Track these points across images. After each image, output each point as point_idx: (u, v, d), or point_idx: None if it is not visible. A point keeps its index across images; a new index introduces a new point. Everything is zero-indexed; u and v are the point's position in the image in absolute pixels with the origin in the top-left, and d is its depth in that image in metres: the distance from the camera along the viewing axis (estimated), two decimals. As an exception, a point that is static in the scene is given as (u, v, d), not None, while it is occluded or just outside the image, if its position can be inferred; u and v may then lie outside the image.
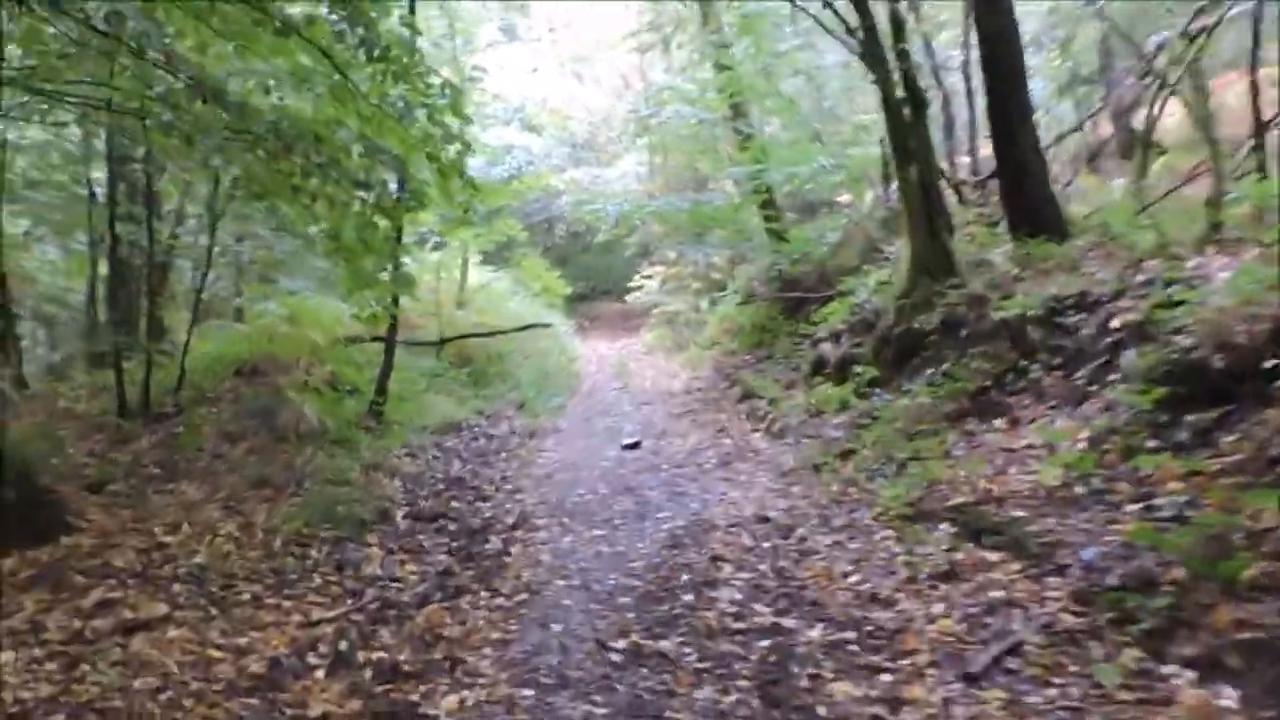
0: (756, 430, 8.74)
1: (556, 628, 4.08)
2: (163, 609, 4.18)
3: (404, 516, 6.61)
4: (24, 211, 10.36)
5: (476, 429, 10.30)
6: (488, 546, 5.73)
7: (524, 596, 4.62)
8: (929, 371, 7.16)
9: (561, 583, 4.82)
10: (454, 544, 5.90)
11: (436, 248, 14.85)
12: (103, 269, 10.62)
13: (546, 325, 15.44)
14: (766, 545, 5.23)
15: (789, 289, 12.38)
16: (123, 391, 9.12)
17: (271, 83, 7.27)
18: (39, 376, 11.27)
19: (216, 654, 3.72)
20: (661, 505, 6.48)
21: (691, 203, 13.34)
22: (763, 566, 4.82)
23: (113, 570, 4.64)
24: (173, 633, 3.91)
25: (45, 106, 7.49)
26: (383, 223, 7.75)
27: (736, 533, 5.54)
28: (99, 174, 9.98)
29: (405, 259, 9.45)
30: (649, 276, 19.69)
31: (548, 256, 22.37)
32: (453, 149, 7.30)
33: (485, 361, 13.30)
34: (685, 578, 4.73)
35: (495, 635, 4.02)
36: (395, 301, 10.00)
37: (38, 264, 11.60)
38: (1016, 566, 4.23)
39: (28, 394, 10.34)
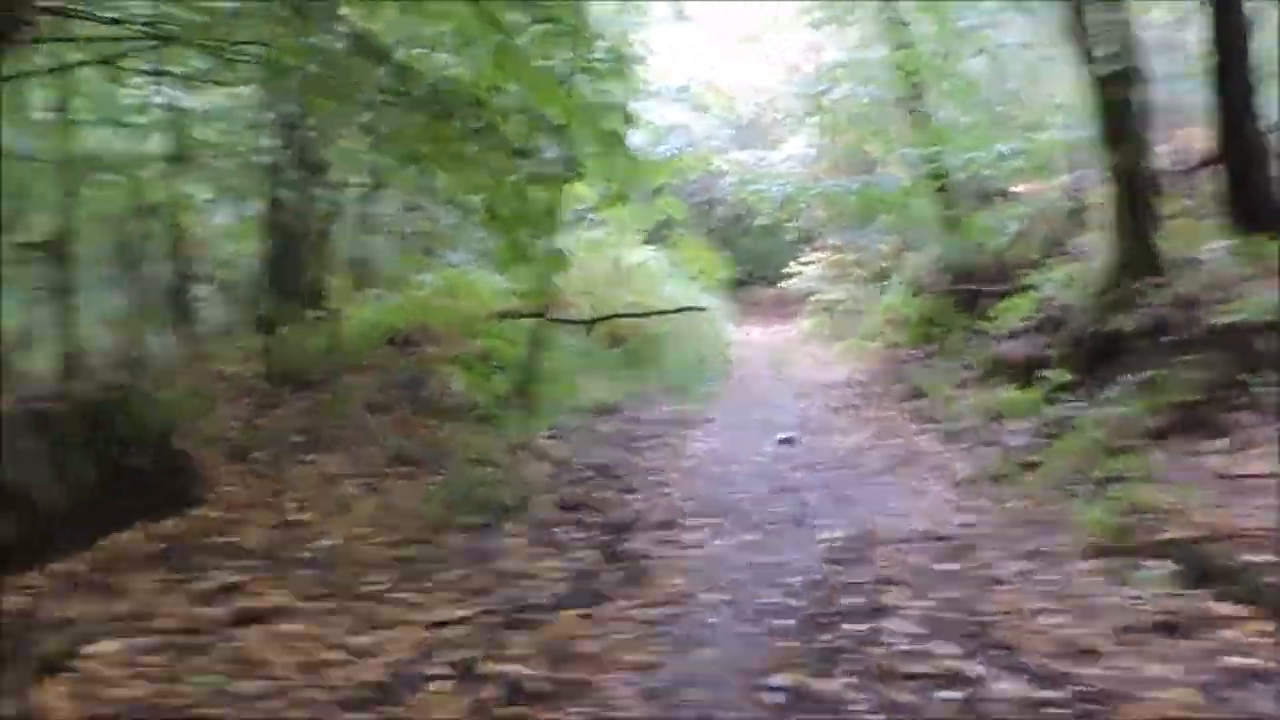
0: (925, 432, 8.05)
1: (705, 653, 3.60)
2: (283, 598, 3.91)
3: (546, 504, 6.27)
4: (203, 177, 10.51)
5: (626, 413, 9.95)
6: (632, 545, 5.31)
7: (669, 609, 4.16)
8: (1128, 379, 6.33)
9: (711, 595, 4.33)
10: (597, 539, 5.49)
11: (593, 224, 14.58)
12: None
13: (702, 309, 14.96)
14: (942, 568, 4.61)
15: (962, 281, 11.53)
16: (272, 357, 9.14)
17: (432, 48, 7.05)
18: (209, 339, 11.50)
19: (332, 655, 3.40)
20: (821, 510, 5.93)
21: (861, 185, 12.57)
22: (939, 594, 4.22)
23: (238, 550, 4.43)
24: (290, 627, 3.62)
25: (215, 68, 7.46)
26: (540, 194, 7.45)
27: (907, 550, 4.94)
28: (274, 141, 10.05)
29: (561, 234, 9.16)
30: (809, 262, 18.96)
31: (706, 239, 21.88)
32: (615, 118, 6.91)
33: (638, 343, 12.93)
34: (850, 601, 4.17)
35: (636, 656, 3.57)
36: (550, 277, 9.74)
37: (213, 229, 11.84)
38: (1257, 625, 3.52)
39: (191, 356, 10.55)
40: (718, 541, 5.28)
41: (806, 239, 19.88)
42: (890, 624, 3.85)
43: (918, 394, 9.32)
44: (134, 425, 4.92)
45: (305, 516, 5.22)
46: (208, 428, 7.46)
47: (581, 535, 5.60)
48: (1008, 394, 7.52)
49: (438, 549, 5.04)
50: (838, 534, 5.32)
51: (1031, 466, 5.87)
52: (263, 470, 6.51)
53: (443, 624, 3.91)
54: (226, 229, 11.92)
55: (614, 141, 6.82)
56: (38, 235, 9.62)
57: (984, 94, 12.20)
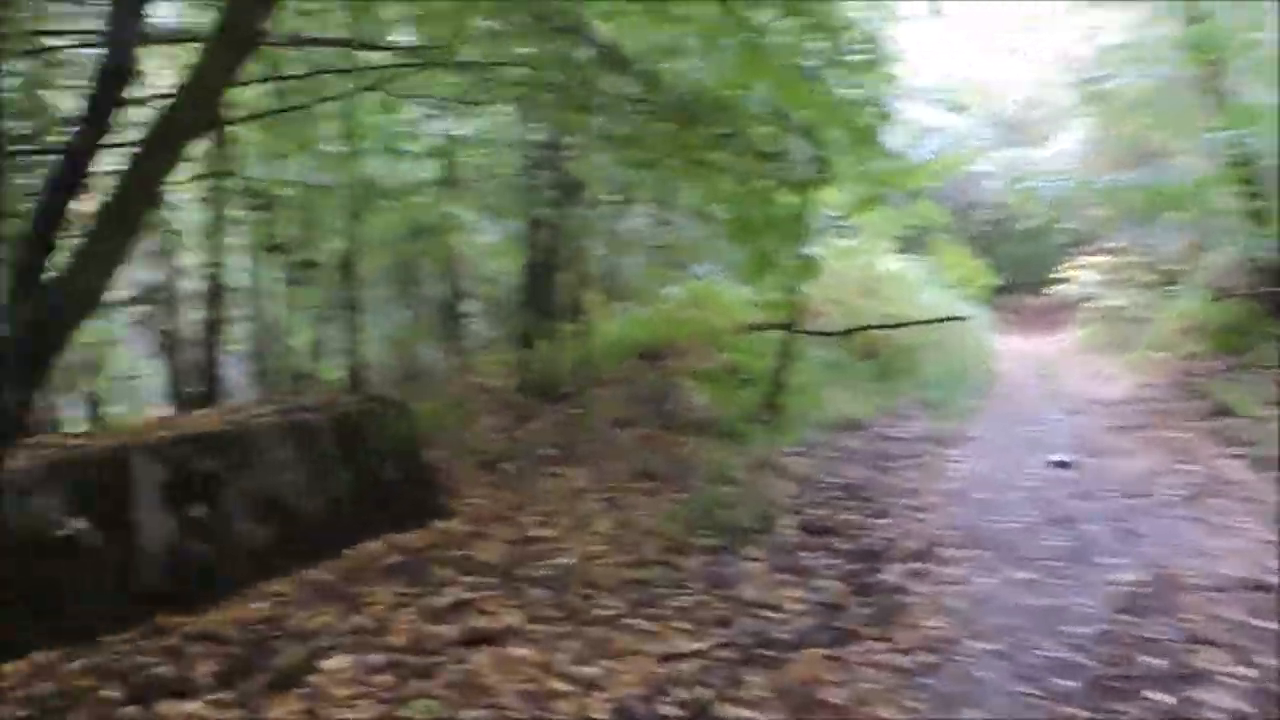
0: (1230, 456, 7.01)
1: (973, 717, 3.12)
2: (514, 619, 3.76)
3: (790, 526, 5.88)
4: (469, 199, 10.88)
5: (878, 429, 9.37)
6: (884, 577, 4.83)
7: (927, 656, 3.68)
8: None
9: (977, 644, 3.81)
10: (844, 568, 5.05)
11: (845, 232, 14.02)
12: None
13: (961, 318, 14.06)
14: (1270, 627, 3.85)
15: (1274, 282, 10.14)
16: (527, 371, 9.31)
17: (676, 53, 6.84)
18: (473, 353, 11.89)
19: (559, 685, 3.19)
20: (1105, 546, 5.19)
21: (1152, 178, 11.28)
22: (1267, 660, 3.50)
23: (475, 565, 4.35)
24: (519, 651, 3.45)
25: (474, 88, 7.60)
26: (788, 199, 7.09)
27: (1221, 601, 4.18)
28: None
29: (810, 242, 8.75)
30: (1082, 266, 17.48)
31: (966, 245, 20.67)
32: (868, 114, 6.44)
33: (892, 355, 12.27)
34: (1150, 661, 3.53)
35: (889, 712, 3.14)
36: (799, 287, 9.35)
37: (479, 249, 12.26)
38: None
39: (457, 369, 10.95)
40: (982, 578, 4.70)
41: (1078, 241, 18.36)
42: (1204, 695, 3.20)
43: (1220, 412, 8.20)
44: (387, 438, 4.98)
45: (545, 532, 5.10)
46: (468, 439, 7.64)
47: (827, 562, 5.17)
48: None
49: (675, 571, 4.77)
50: (1128, 576, 4.61)
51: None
52: (511, 482, 6.52)
53: (676, 657, 3.63)
54: (491, 248, 12.35)
55: (867, 139, 6.35)
56: (324, 257, 10.44)
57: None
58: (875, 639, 3.94)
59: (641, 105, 6.34)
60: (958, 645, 3.79)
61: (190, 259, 9.32)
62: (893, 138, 10.90)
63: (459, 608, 3.80)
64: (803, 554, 5.31)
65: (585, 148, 9.18)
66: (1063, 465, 7.39)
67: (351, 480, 4.56)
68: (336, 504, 4.41)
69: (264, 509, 4.05)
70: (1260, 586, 4.30)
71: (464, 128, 10.07)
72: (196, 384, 8.64)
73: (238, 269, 9.42)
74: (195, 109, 2.97)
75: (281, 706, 3.05)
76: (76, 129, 2.99)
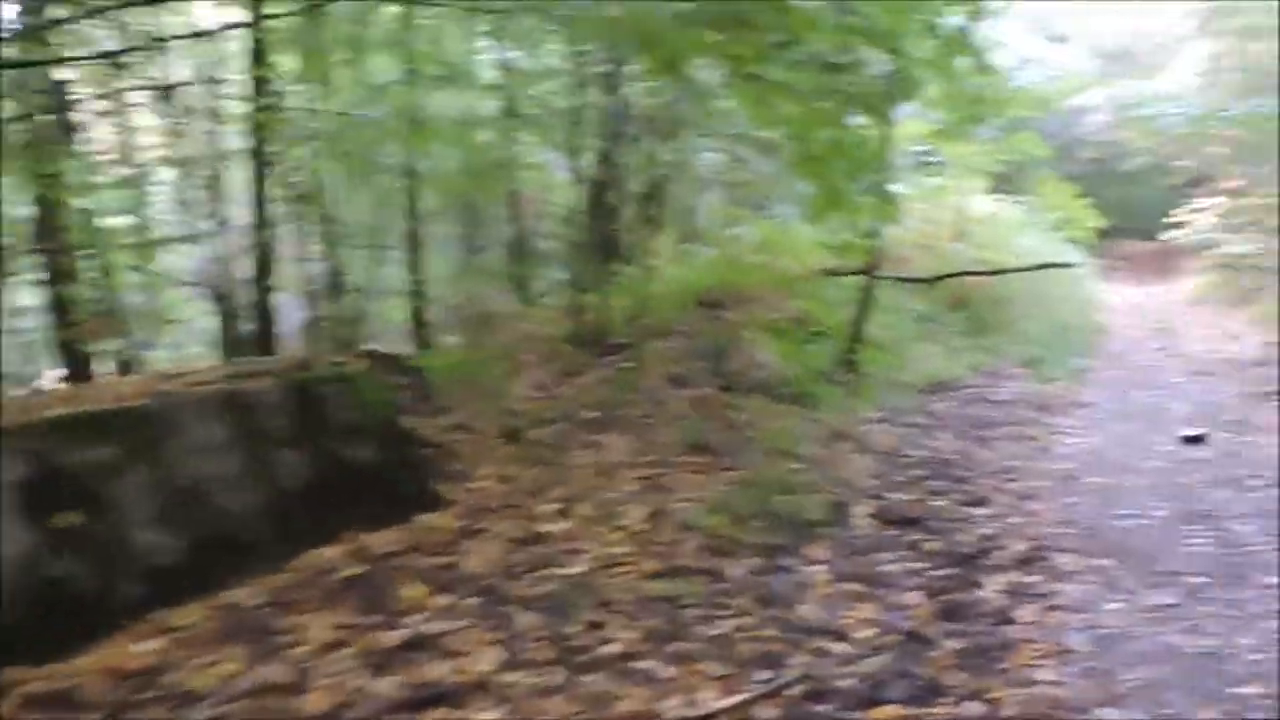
0: (1404, 437, 5.80)
1: None
2: (488, 662, 2.85)
3: (866, 517, 4.88)
4: (537, 135, 10.06)
5: (972, 391, 8.27)
6: (982, 594, 3.83)
7: (1044, 731, 2.70)
8: None
9: (1112, 713, 2.81)
10: (931, 577, 4.06)
11: (932, 168, 12.73)
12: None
13: (1066, 265, 12.69)
14: None
15: None
16: (580, 319, 8.44)
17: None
18: (531, 299, 11.11)
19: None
20: (1265, 557, 4.10)
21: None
22: None
23: (457, 578, 3.44)
24: (485, 716, 2.55)
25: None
26: (862, 125, 5.98)
27: None
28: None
29: (891, 176, 7.61)
30: (1201, 209, 15.83)
31: (1069, 185, 19.06)
32: (957, 15, 5.31)
33: (987, 306, 11.02)
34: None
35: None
36: (878, 228, 8.25)
37: (545, 185, 11.46)
38: None
39: (509, 315, 10.16)
40: (1111, 604, 3.66)
41: (1196, 182, 16.67)
42: None
43: (1381, 377, 6.93)
44: (360, 410, 4.09)
45: (560, 526, 4.19)
46: (500, 399, 6.80)
47: (910, 567, 4.19)
48: None
49: (716, 582, 3.82)
50: (1304, 603, 3.54)
51: None
52: (536, 455, 5.62)
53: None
54: (557, 185, 11.53)
55: (956, 49, 5.20)
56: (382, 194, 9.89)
57: None
58: (968, 695, 2.96)
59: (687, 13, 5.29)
60: (1083, 714, 2.79)
61: (239, 196, 8.75)
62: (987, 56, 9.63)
63: (415, 647, 2.91)
64: (880, 556, 4.33)
65: (638, 73, 8.21)
66: (1196, 441, 6.25)
67: (306, 466, 3.67)
68: (282, 498, 3.52)
69: (174, 511, 3.14)
70: None
71: (527, 59, 9.37)
72: (249, 328, 8.10)
73: (286, 208, 8.80)
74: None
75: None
76: None
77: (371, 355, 6.49)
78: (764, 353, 7.92)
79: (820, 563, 4.19)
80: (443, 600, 3.26)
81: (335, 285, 9.59)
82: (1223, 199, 15.27)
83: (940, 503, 5.20)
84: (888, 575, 4.08)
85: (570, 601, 3.38)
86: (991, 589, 3.89)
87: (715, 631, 3.36)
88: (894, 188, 9.38)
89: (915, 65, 5.44)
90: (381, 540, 3.65)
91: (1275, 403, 7.27)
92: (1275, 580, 3.79)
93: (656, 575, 3.77)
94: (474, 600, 3.30)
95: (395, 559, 3.55)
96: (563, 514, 4.41)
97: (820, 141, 5.80)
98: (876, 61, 5.59)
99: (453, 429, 5.62)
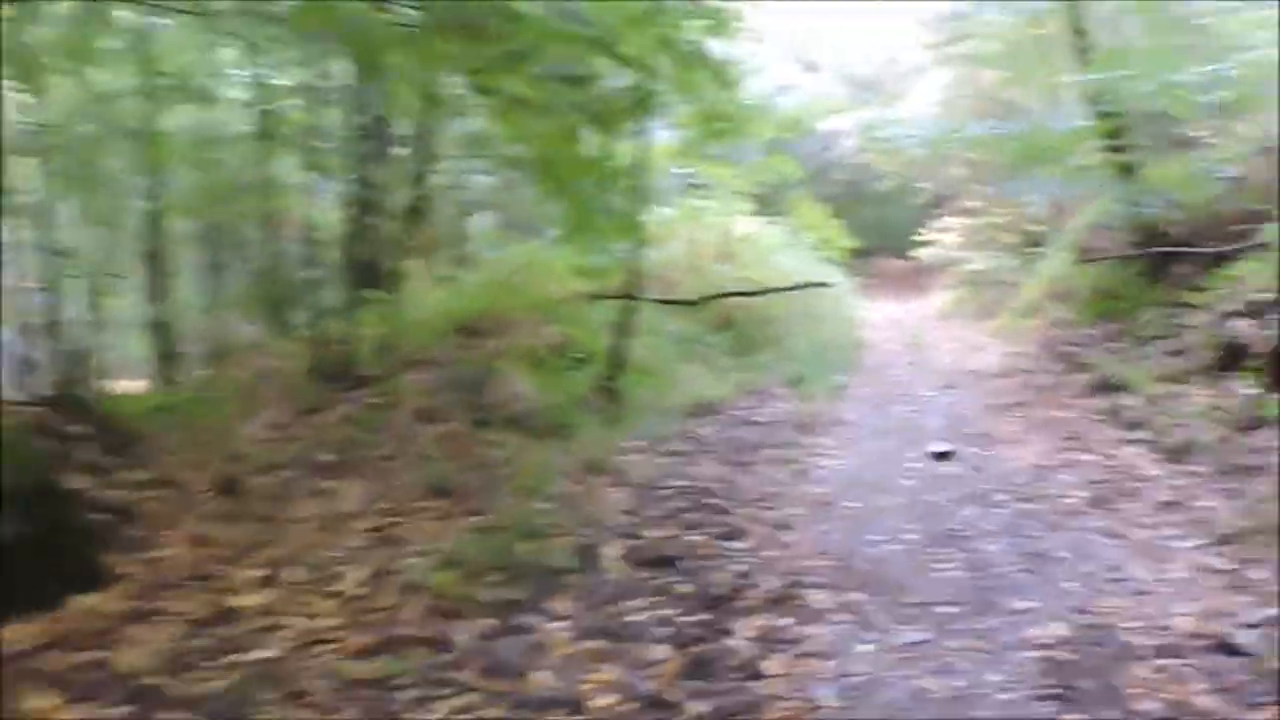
0: (1132, 443, 6.02)
1: None
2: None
3: (617, 559, 4.54)
4: (293, 156, 9.27)
5: (736, 413, 8.15)
6: (731, 643, 3.53)
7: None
8: None
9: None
10: (682, 623, 3.75)
11: (696, 191, 12.78)
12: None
13: (824, 284, 13.02)
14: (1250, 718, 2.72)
15: (1150, 243, 9.33)
16: (323, 351, 7.79)
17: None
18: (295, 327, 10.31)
19: None
20: (1014, 581, 4.03)
21: (1023, 127, 10.31)
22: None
23: (100, 683, 2.83)
24: None
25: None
26: (608, 140, 5.71)
27: (1176, 672, 3.04)
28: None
29: (646, 197, 7.40)
30: (945, 229, 16.74)
31: (824, 207, 19.77)
32: (695, 29, 5.12)
33: (751, 326, 11.07)
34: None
35: None
36: (636, 249, 8.05)
37: (304, 208, 10.68)
38: None
39: (249, 348, 9.36)
40: (861, 645, 3.44)
41: (940, 202, 17.65)
42: None
43: (1107, 387, 7.26)
44: (11, 473, 3.37)
45: (257, 598, 3.61)
46: (229, 441, 6.10)
47: (660, 615, 3.86)
48: (1255, 393, 5.47)
49: (437, 654, 3.35)
50: (1052, 629, 3.44)
51: (1347, 516, 3.86)
52: (253, 508, 4.98)
53: None
54: (317, 208, 10.77)
55: (695, 63, 5.01)
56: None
57: (1168, 9, 9.80)
58: (712, 773, 2.63)
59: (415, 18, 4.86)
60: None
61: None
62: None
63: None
64: (629, 604, 3.97)
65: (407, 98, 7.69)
66: (945, 456, 6.31)
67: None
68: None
69: None
70: (1224, 647, 3.17)
71: (276, 75, 8.69)
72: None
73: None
74: None
75: None
76: None
77: (57, 400, 5.64)
78: (522, 382, 7.52)
79: (562, 618, 3.80)
80: (76, 712, 2.64)
81: (55, 318, 8.57)
82: (963, 219, 16.22)
83: (696, 537, 4.93)
84: (635, 627, 3.73)
85: (249, 697, 2.83)
86: (743, 635, 3.61)
87: (430, 718, 2.90)
88: (651, 208, 9.27)
89: (655, 80, 5.20)
90: (17, 635, 2.97)
91: (1017, 414, 7.52)
92: (1021, 605, 3.71)
93: (367, 652, 3.26)
94: (120, 709, 2.69)
95: (28, 659, 2.88)
96: (267, 581, 3.83)
97: (564, 159, 5.50)
98: (618, 76, 5.32)
99: (150, 484, 4.91)
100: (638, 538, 4.91)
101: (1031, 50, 11.72)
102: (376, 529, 4.70)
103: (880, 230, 21.54)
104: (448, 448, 6.18)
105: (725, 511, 5.41)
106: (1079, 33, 10.40)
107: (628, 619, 3.83)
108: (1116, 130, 10.16)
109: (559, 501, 5.30)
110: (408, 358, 7.75)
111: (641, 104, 5.37)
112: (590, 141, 5.38)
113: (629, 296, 8.40)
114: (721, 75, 5.26)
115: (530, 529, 4.68)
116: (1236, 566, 3.82)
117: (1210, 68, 8.79)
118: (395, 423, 6.63)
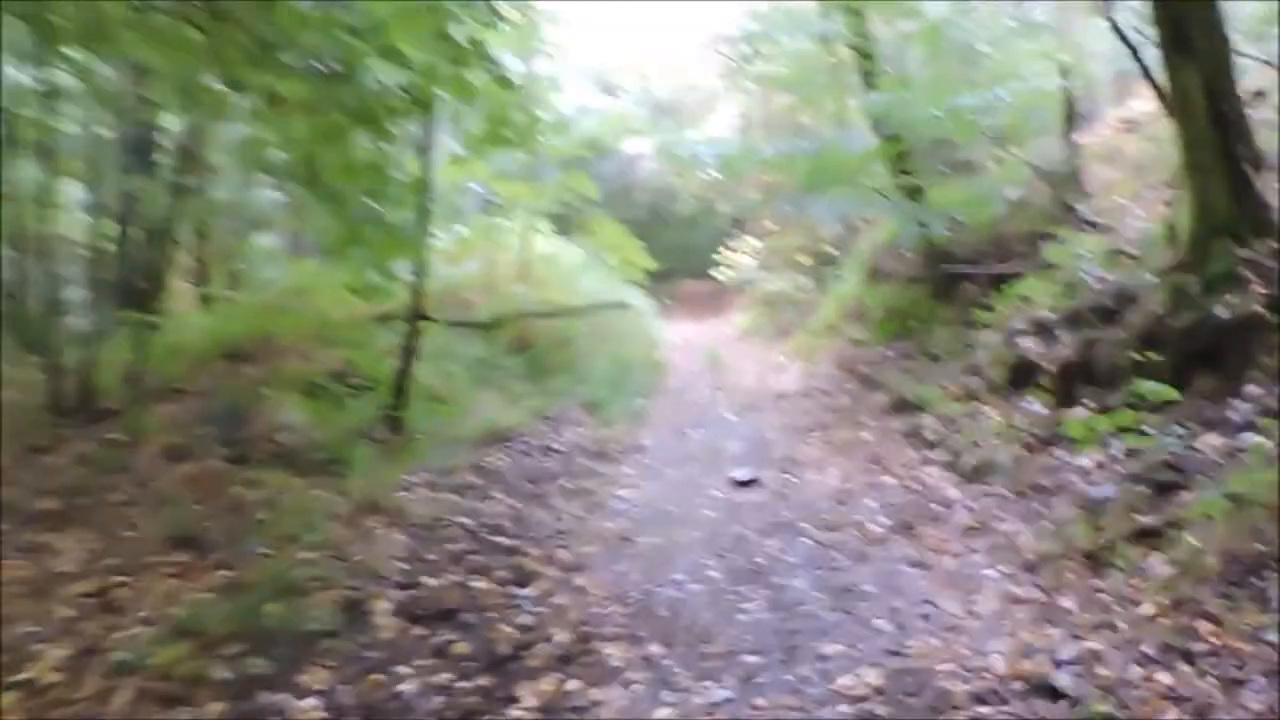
0: (931, 463, 5.93)
1: None
2: None
3: (387, 615, 3.98)
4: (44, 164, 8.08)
5: (532, 440, 7.66)
6: (514, 715, 3.06)
7: None
8: (1254, 393, 4.28)
9: None
10: (458, 690, 3.25)
11: (493, 209, 12.29)
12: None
13: (622, 305, 12.76)
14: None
15: (937, 262, 9.52)
16: (61, 380, 6.80)
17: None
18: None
19: None
20: (823, 622, 3.74)
21: (817, 147, 10.35)
22: None
23: None
24: None
25: None
26: (369, 144, 5.12)
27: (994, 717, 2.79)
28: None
29: (424, 208, 6.83)
30: (742, 250, 16.89)
31: (625, 229, 19.64)
32: (471, 21, 4.67)
33: (549, 348, 10.62)
34: None
35: None
36: (421, 269, 7.50)
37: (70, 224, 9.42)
38: None
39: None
40: (662, 705, 3.04)
41: (738, 223, 17.83)
42: None
43: (903, 406, 7.22)
44: None
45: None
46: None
47: (434, 681, 3.34)
48: (1046, 410, 5.45)
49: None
50: (865, 677, 3.15)
51: (1147, 537, 3.75)
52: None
53: None
54: (81, 224, 9.54)
55: (471, 60, 4.54)
56: None
57: (950, 38, 10.07)
58: None
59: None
60: None
61: None
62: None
63: None
64: (399, 670, 3.44)
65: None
66: (748, 484, 6.05)
67: None
68: None
69: None
70: (1053, 691, 2.94)
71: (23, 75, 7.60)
72: None
73: None
74: None
75: None
76: None
77: None
78: (292, 413, 6.78)
79: (315, 693, 3.22)
80: None
81: None
82: (760, 240, 16.40)
83: (481, 584, 4.44)
84: (402, 701, 3.21)
85: None
86: (527, 703, 3.14)
87: None
88: (442, 225, 8.70)
89: (427, 78, 4.71)
90: None
91: (818, 436, 7.39)
92: (831, 649, 3.40)
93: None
94: None
95: None
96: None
97: (329, 164, 4.90)
98: (389, 74, 4.79)
99: None
100: (415, 587, 4.38)
101: (822, 75, 11.87)
102: (97, 592, 3.96)
103: (683, 252, 21.65)
104: (197, 490, 5.41)
105: (515, 552, 4.94)
106: (866, 57, 10.58)
107: (396, 689, 3.30)
108: (902, 153, 10.37)
109: (325, 550, 4.67)
110: (160, 387, 6.88)
111: (416, 104, 4.86)
112: (359, 146, 4.81)
113: (420, 318, 7.82)
114: (503, 78, 4.82)
115: (286, 585, 4.05)
116: (1045, 596, 3.65)
117: (989, 94, 9.08)
118: (137, 462, 5.80)
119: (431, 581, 4.45)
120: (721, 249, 17.62)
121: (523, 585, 4.44)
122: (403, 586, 4.35)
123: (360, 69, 4.41)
